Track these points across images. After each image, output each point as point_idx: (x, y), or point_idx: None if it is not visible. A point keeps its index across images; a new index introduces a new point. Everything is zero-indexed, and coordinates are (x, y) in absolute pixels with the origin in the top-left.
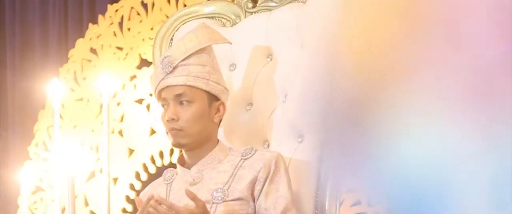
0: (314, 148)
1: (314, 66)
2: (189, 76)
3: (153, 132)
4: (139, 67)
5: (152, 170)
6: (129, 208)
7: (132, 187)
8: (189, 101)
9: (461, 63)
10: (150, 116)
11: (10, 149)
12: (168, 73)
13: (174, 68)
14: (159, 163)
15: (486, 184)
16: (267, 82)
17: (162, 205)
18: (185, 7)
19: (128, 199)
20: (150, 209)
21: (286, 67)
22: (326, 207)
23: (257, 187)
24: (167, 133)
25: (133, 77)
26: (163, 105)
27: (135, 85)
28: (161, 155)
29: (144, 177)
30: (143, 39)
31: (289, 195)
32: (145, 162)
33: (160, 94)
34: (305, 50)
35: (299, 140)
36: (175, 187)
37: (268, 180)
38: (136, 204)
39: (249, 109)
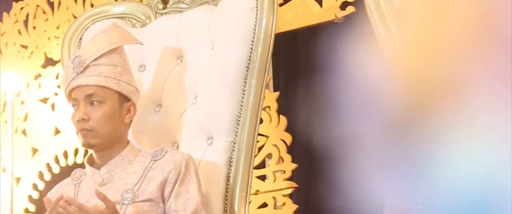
0: (223, 150)
1: (224, 68)
2: (100, 77)
3: (57, 131)
4: (44, 66)
5: (56, 170)
6: (32, 208)
7: (35, 187)
8: (100, 102)
9: None
10: (54, 115)
11: None
12: (79, 73)
13: (85, 68)
14: (63, 163)
15: None
16: (177, 83)
17: (71, 206)
18: (95, 7)
19: (31, 199)
20: (60, 210)
21: (197, 69)
22: (235, 209)
23: (167, 189)
24: (77, 133)
25: (38, 76)
26: (73, 106)
27: (39, 84)
28: (66, 155)
29: (47, 177)
30: (49, 38)
31: (199, 197)
32: (49, 162)
33: (70, 94)
34: (216, 52)
35: (209, 142)
36: (84, 188)
37: (178, 181)
38: (45, 204)
39: (159, 110)
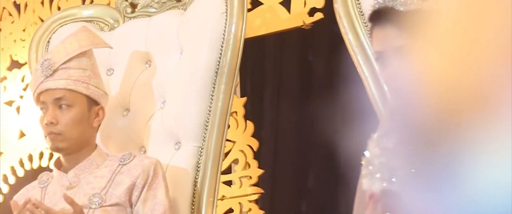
0: (191, 155)
1: (193, 73)
2: (69, 80)
3: (22, 134)
4: (9, 68)
5: (21, 173)
6: None
7: None
8: (68, 105)
9: None
10: (20, 118)
11: None
12: (47, 76)
13: (54, 71)
14: (28, 166)
15: None
16: (145, 88)
17: (39, 209)
18: (62, 10)
19: None
20: (27, 213)
21: (165, 73)
22: None
23: (135, 193)
24: (45, 136)
25: (3, 78)
26: (41, 109)
27: (5, 87)
28: (31, 158)
29: (12, 180)
30: (15, 41)
31: (167, 201)
32: (13, 165)
33: (39, 97)
34: (185, 57)
35: (177, 146)
36: (51, 191)
37: (146, 186)
38: (12, 207)
39: (126, 115)
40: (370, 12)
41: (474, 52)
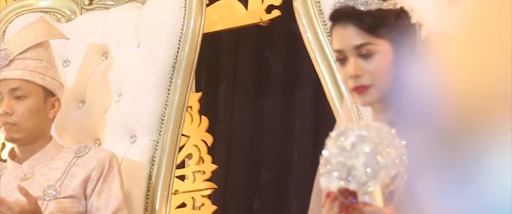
0: (146, 148)
1: (150, 67)
2: (25, 71)
3: None
4: None
5: None
6: None
7: None
8: (24, 96)
9: None
10: None
11: None
12: (3, 67)
13: (10, 61)
14: None
15: None
16: (101, 80)
17: None
18: (19, 0)
19: None
20: None
21: (122, 66)
22: (157, 208)
23: (90, 186)
24: (0, 127)
25: None
26: None
27: None
28: None
29: None
30: None
31: (122, 195)
32: None
33: None
34: (142, 51)
35: (132, 140)
36: (4, 182)
37: (101, 179)
38: None
39: (82, 107)
40: (330, 11)
41: (499, 57)
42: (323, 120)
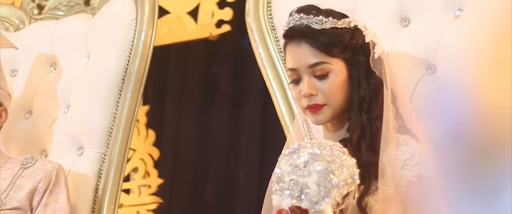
0: (94, 161)
1: (99, 79)
2: None
3: None
4: None
5: None
6: None
7: None
8: None
9: None
10: None
11: None
12: None
13: None
14: None
15: None
16: (49, 91)
17: None
18: None
19: None
20: None
21: (70, 77)
22: None
23: (36, 198)
24: None
25: None
26: None
27: None
28: None
29: None
30: None
31: (68, 207)
32: None
33: None
34: (91, 62)
35: (79, 152)
36: None
37: (47, 191)
38: None
39: (29, 117)
40: (285, 28)
41: None
42: (270, 137)
